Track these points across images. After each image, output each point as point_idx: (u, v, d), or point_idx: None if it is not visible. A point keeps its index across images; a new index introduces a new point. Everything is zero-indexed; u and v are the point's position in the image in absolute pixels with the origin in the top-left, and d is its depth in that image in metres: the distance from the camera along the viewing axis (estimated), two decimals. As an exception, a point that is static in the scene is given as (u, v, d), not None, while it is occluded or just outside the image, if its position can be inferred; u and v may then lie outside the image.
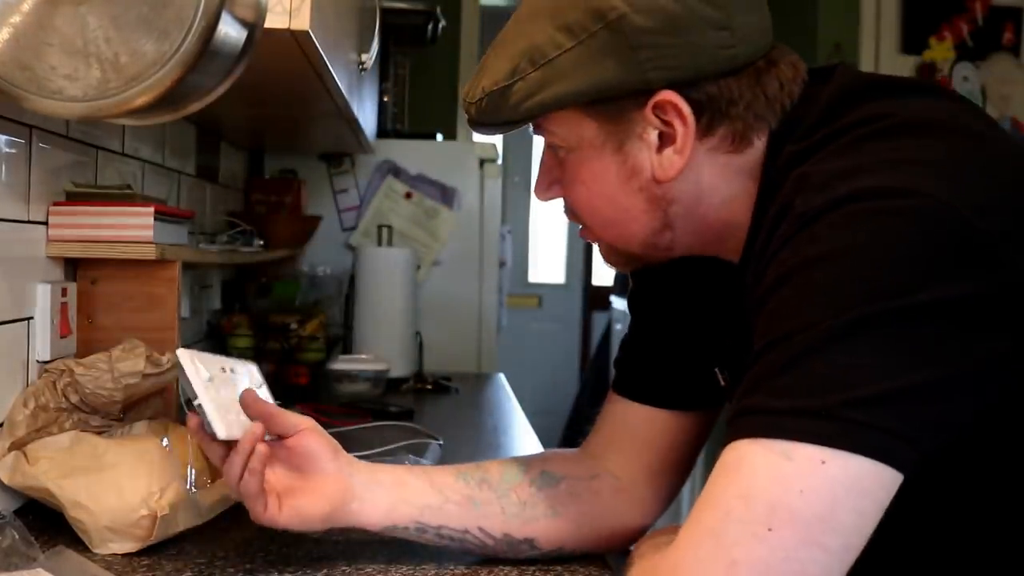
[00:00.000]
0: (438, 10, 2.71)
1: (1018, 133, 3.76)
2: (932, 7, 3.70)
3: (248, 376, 0.95)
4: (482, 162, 2.60)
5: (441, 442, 1.55)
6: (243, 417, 0.89)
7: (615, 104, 0.83)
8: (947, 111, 0.80)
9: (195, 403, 0.88)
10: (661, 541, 0.89)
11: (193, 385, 0.88)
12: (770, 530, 0.64)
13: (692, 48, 0.80)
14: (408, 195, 2.56)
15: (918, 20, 3.70)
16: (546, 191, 0.92)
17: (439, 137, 2.87)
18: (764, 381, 0.69)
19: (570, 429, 4.47)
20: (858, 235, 0.68)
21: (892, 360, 0.65)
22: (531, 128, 0.89)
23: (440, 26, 2.76)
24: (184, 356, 0.89)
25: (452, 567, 0.96)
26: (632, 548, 1.01)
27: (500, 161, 2.64)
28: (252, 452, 0.87)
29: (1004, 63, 3.73)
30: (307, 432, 0.93)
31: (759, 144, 0.84)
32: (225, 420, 0.88)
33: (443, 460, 1.37)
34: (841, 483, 0.64)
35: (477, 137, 3.68)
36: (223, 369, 0.92)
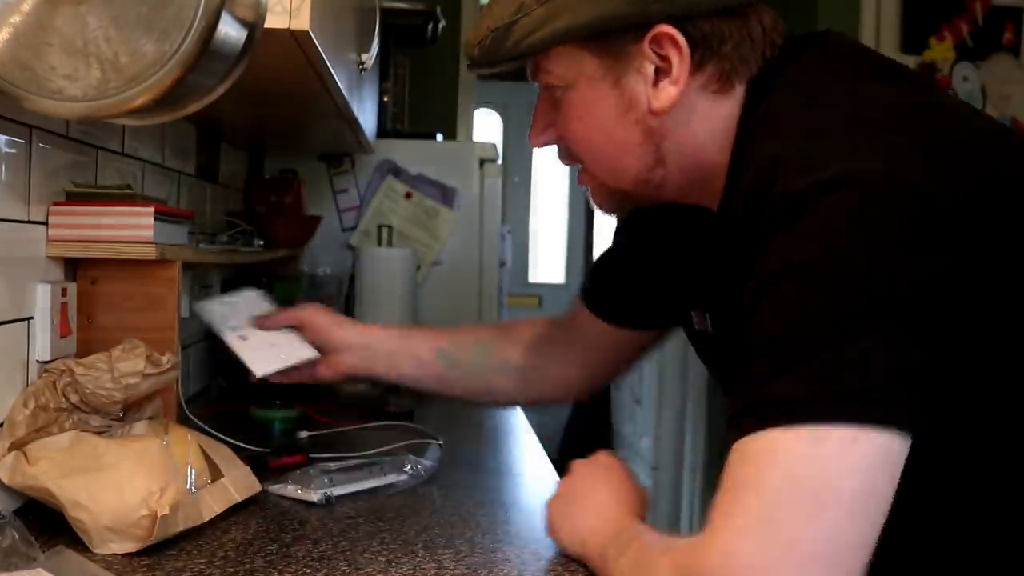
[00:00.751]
0: (438, 10, 2.71)
1: (1018, 133, 3.76)
2: (932, 7, 3.70)
3: (252, 303, 1.35)
4: (482, 162, 2.59)
5: (441, 442, 1.55)
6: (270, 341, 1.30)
7: (615, 38, 0.88)
8: (901, 93, 0.85)
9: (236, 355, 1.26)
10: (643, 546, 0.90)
11: (230, 345, 1.25)
12: (820, 510, 0.69)
13: None
14: (408, 195, 2.56)
15: (918, 20, 3.70)
16: (541, 134, 0.97)
17: (439, 137, 2.87)
18: (782, 370, 0.72)
19: (570, 429, 4.47)
20: (850, 225, 0.73)
21: (898, 339, 0.71)
22: (529, 73, 0.95)
23: (440, 26, 2.76)
24: (210, 313, 1.29)
25: (452, 567, 0.96)
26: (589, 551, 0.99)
27: (500, 161, 2.64)
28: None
29: (1004, 63, 3.73)
30: (308, 316, 1.38)
31: (740, 90, 0.90)
32: (257, 357, 1.25)
33: (443, 460, 1.37)
34: (873, 457, 0.70)
35: (477, 137, 3.68)
36: (236, 306, 1.27)
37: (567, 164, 1.00)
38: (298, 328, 1.38)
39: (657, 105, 0.89)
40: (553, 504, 1.03)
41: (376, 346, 1.35)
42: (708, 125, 0.90)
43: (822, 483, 0.69)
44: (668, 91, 0.88)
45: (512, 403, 1.42)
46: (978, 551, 0.86)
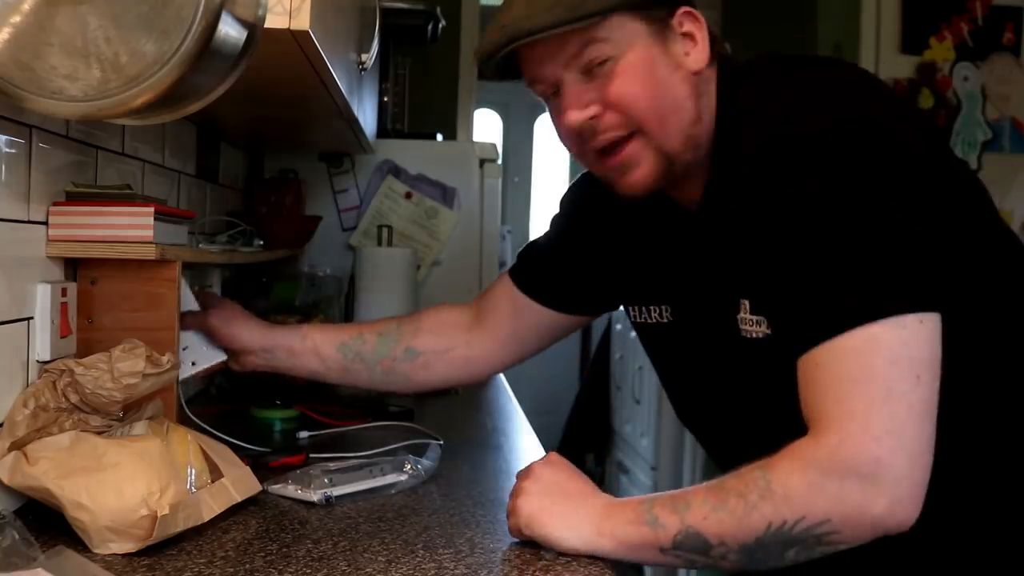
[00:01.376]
0: (438, 10, 2.71)
1: (1018, 133, 3.76)
2: (932, 7, 3.70)
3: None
4: (482, 162, 2.59)
5: (441, 442, 1.54)
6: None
7: (657, 10, 1.05)
8: (843, 67, 1.07)
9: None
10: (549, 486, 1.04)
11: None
12: (918, 378, 0.88)
13: None
14: (408, 195, 2.56)
15: (918, 20, 3.70)
16: (583, 108, 1.05)
17: (439, 137, 2.87)
18: (847, 281, 0.89)
19: (570, 429, 4.47)
20: (859, 159, 0.92)
21: (915, 238, 0.91)
22: (579, 47, 1.04)
23: (440, 26, 2.76)
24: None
25: (452, 567, 0.96)
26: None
27: (500, 161, 2.64)
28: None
29: (1004, 63, 3.73)
30: (212, 320, 1.43)
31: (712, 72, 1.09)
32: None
33: (443, 460, 1.37)
34: (932, 332, 0.90)
35: (477, 137, 3.68)
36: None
37: (605, 138, 1.06)
38: (206, 330, 1.44)
39: (696, 65, 1.07)
40: (526, 506, 1.01)
41: (277, 347, 1.42)
42: (711, 97, 1.08)
43: (914, 358, 0.88)
44: (699, 53, 1.07)
45: (419, 388, 1.47)
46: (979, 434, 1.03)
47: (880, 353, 0.87)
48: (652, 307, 1.20)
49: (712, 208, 1.08)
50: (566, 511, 1.00)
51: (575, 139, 1.09)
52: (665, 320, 1.19)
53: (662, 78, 1.05)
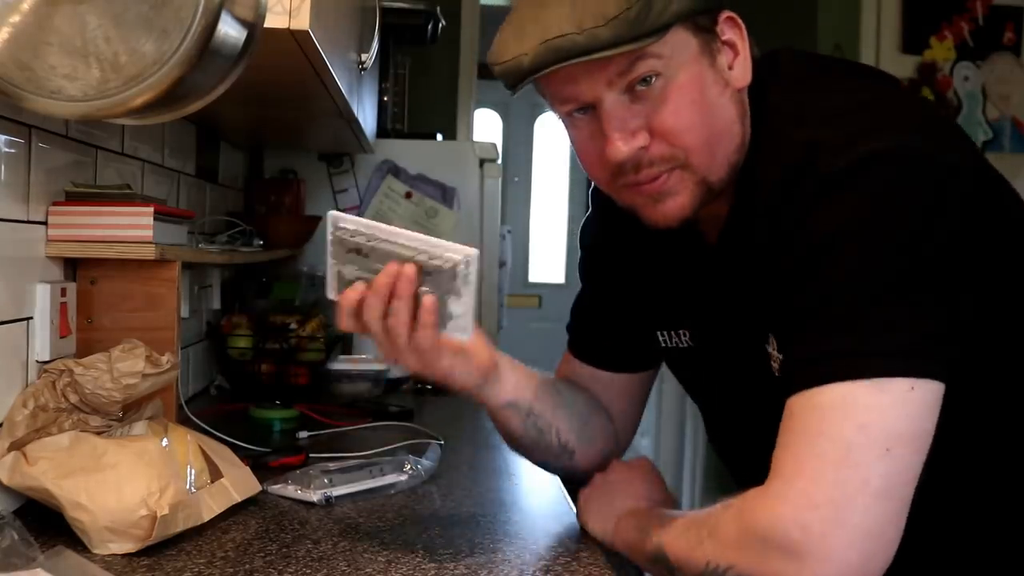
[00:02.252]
0: (438, 10, 2.71)
1: (1018, 133, 3.76)
2: (932, 7, 3.70)
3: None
4: (482, 162, 2.59)
5: (441, 442, 1.54)
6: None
7: (705, 19, 0.92)
8: (887, 81, 1.00)
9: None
10: (612, 486, 1.07)
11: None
12: (887, 451, 0.79)
13: None
14: (408, 195, 2.56)
15: (918, 20, 3.70)
16: (632, 138, 0.91)
17: (439, 137, 2.87)
18: (843, 329, 0.81)
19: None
20: (887, 193, 0.82)
21: (937, 297, 0.81)
22: (632, 62, 0.88)
23: (440, 26, 2.76)
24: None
25: (452, 567, 0.96)
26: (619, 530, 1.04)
27: (500, 161, 2.64)
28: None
29: (1004, 63, 3.73)
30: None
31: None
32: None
33: (443, 460, 1.37)
34: (924, 403, 0.80)
35: (477, 137, 3.68)
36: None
37: (651, 173, 0.93)
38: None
39: (741, 81, 0.95)
40: (587, 492, 1.11)
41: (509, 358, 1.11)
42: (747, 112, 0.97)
43: (888, 429, 0.79)
44: (743, 67, 0.95)
45: (586, 467, 1.16)
46: (990, 495, 0.95)
47: (851, 415, 0.79)
48: (673, 331, 1.11)
49: (734, 234, 0.97)
50: (603, 505, 1.07)
51: (614, 170, 0.93)
52: (686, 345, 1.09)
53: (712, 101, 0.92)
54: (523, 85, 0.92)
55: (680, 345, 1.10)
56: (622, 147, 0.90)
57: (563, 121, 0.97)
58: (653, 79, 0.89)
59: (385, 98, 2.62)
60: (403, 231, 0.90)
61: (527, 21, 0.89)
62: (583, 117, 0.93)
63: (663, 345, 1.12)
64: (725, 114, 0.94)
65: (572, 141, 0.98)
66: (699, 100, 0.91)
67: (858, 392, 0.79)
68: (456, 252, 0.90)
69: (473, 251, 0.90)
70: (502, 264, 2.71)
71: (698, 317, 1.06)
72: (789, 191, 0.87)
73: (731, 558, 0.84)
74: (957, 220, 0.83)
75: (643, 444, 3.97)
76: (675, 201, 0.94)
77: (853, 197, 0.83)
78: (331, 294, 0.94)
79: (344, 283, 0.93)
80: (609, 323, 1.18)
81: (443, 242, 0.90)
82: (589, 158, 0.96)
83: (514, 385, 1.07)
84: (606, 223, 1.14)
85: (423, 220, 2.56)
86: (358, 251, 0.91)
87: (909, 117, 0.89)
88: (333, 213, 0.91)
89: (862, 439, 0.79)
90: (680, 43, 0.90)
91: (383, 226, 0.90)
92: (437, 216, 2.56)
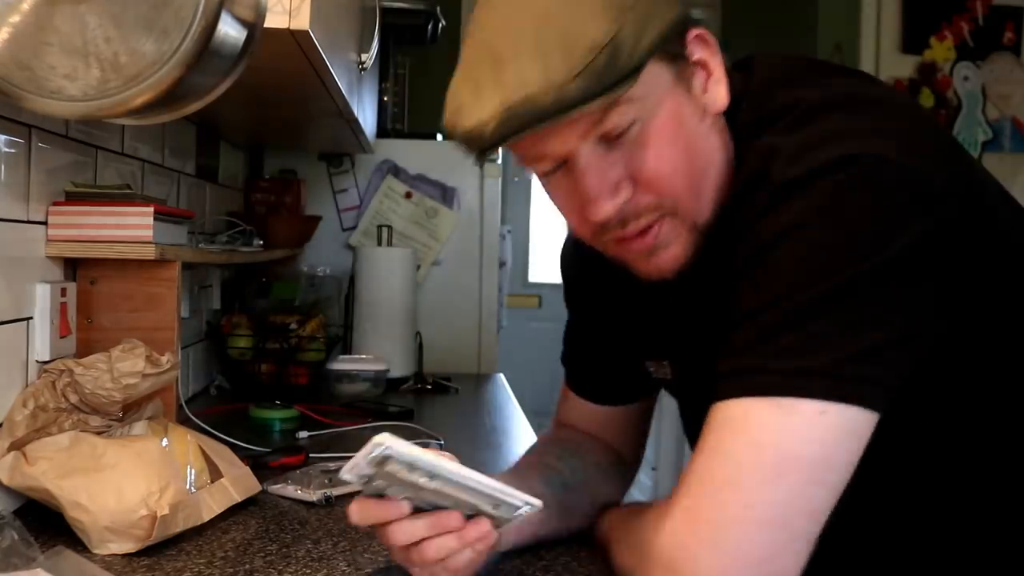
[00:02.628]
0: (438, 10, 2.71)
1: (1018, 133, 3.76)
2: (932, 7, 3.70)
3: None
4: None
5: (441, 442, 1.54)
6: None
7: (673, 45, 0.82)
8: (864, 85, 0.89)
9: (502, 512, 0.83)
10: (636, 509, 0.97)
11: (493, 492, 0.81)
12: (780, 476, 0.72)
13: None
14: (408, 195, 2.56)
15: (918, 20, 3.70)
16: (615, 193, 0.82)
17: (439, 137, 2.87)
18: (760, 343, 0.75)
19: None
20: (835, 203, 0.75)
21: (872, 316, 0.73)
22: (576, 135, 0.80)
23: (440, 26, 2.76)
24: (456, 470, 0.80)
25: (452, 567, 0.96)
26: (599, 524, 1.03)
27: (500, 161, 2.64)
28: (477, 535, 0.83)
29: (1004, 63, 3.73)
30: None
31: None
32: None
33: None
34: (837, 430, 0.73)
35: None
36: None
37: (636, 225, 0.84)
38: None
39: (717, 105, 0.86)
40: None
41: None
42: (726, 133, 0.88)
43: (785, 451, 0.72)
44: (718, 88, 0.86)
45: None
46: (947, 532, 0.88)
47: (746, 433, 0.74)
48: (657, 362, 1.05)
49: (705, 258, 0.88)
50: (616, 513, 1.03)
51: (597, 229, 0.86)
52: (669, 377, 1.04)
53: (693, 135, 0.84)
54: (488, 154, 0.82)
55: (665, 376, 1.04)
56: (605, 206, 0.82)
57: (540, 181, 0.88)
58: (633, 125, 0.81)
59: (385, 98, 2.63)
60: (467, 474, 0.79)
61: (484, 80, 0.78)
62: (558, 173, 0.84)
63: (653, 375, 1.07)
64: (707, 145, 0.85)
65: (551, 198, 0.89)
66: (680, 138, 0.82)
67: (759, 410, 0.73)
68: (517, 499, 0.82)
69: (538, 502, 0.83)
70: (502, 264, 2.71)
71: (677, 348, 0.99)
72: (744, 203, 0.80)
73: (632, 564, 0.83)
74: (920, 236, 0.74)
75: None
76: (669, 253, 0.86)
77: (798, 205, 0.75)
78: (349, 478, 0.78)
79: (372, 488, 0.80)
80: (599, 356, 1.13)
81: (507, 488, 0.82)
82: (571, 216, 0.88)
83: (516, 533, 0.96)
84: (582, 251, 1.02)
85: (423, 220, 2.56)
86: (411, 483, 0.79)
87: (883, 122, 0.80)
88: (386, 441, 0.75)
89: (753, 460, 0.73)
90: (654, 78, 0.80)
91: (447, 465, 0.78)
92: (437, 216, 2.56)
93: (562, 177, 0.84)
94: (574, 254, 1.12)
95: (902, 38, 3.71)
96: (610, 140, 0.81)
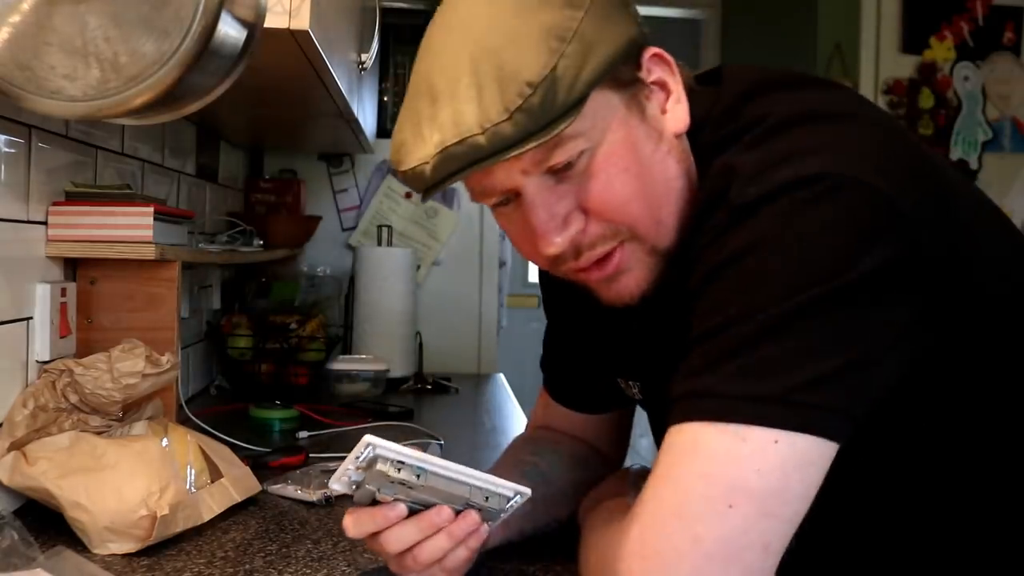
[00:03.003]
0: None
1: (1018, 133, 3.76)
2: (932, 7, 3.70)
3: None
4: (482, 162, 2.59)
5: (441, 442, 1.55)
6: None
7: (624, 69, 0.80)
8: (836, 100, 0.84)
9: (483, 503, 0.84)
10: (603, 495, 0.95)
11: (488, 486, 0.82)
12: (730, 507, 0.69)
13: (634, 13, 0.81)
14: (408, 195, 2.56)
15: (918, 20, 3.70)
16: (565, 226, 0.80)
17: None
18: (713, 365, 0.71)
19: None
20: (792, 223, 0.71)
21: (830, 341, 0.70)
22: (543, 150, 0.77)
23: (440, 26, 2.76)
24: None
25: (452, 567, 0.96)
26: (579, 514, 1.02)
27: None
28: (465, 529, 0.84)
29: (1004, 63, 3.73)
30: None
31: None
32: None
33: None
34: (791, 459, 0.69)
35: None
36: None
37: (590, 255, 0.82)
38: None
39: (677, 126, 0.83)
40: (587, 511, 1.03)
41: None
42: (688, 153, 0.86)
43: (735, 481, 0.69)
44: (678, 109, 0.83)
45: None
46: (909, 528, 0.86)
47: (696, 461, 0.70)
48: (628, 381, 1.02)
49: (666, 280, 0.85)
50: (594, 491, 1.02)
51: (552, 261, 0.84)
52: (639, 397, 1.02)
53: (647, 162, 0.80)
54: (431, 193, 0.80)
55: (636, 397, 1.02)
56: (555, 239, 0.79)
57: (490, 211, 0.86)
58: (580, 156, 0.78)
59: (385, 98, 2.63)
60: (456, 468, 0.81)
61: (423, 119, 0.77)
62: (508, 206, 0.82)
63: (624, 393, 1.04)
64: (664, 171, 0.82)
65: (503, 230, 0.87)
66: (632, 165, 0.79)
67: (709, 436, 0.70)
68: (508, 489, 0.83)
69: (527, 490, 0.84)
70: (502, 264, 2.71)
71: (643, 369, 0.97)
72: (703, 223, 0.77)
73: None
74: (881, 261, 0.70)
75: (643, 444, 3.96)
76: (630, 278, 0.84)
77: (753, 225, 0.72)
78: (338, 487, 0.81)
79: (363, 493, 0.81)
80: (574, 366, 1.11)
81: (496, 479, 0.82)
82: (524, 247, 0.85)
83: (504, 527, 0.96)
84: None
85: (423, 220, 2.56)
86: (400, 482, 0.80)
87: (850, 139, 0.76)
88: (373, 441, 0.77)
89: (702, 490, 0.69)
90: (601, 107, 0.78)
91: (434, 460, 0.80)
92: (437, 216, 2.57)
93: (513, 210, 0.82)
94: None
95: (902, 38, 3.71)
96: (558, 172, 0.79)
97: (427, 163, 0.76)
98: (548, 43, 0.74)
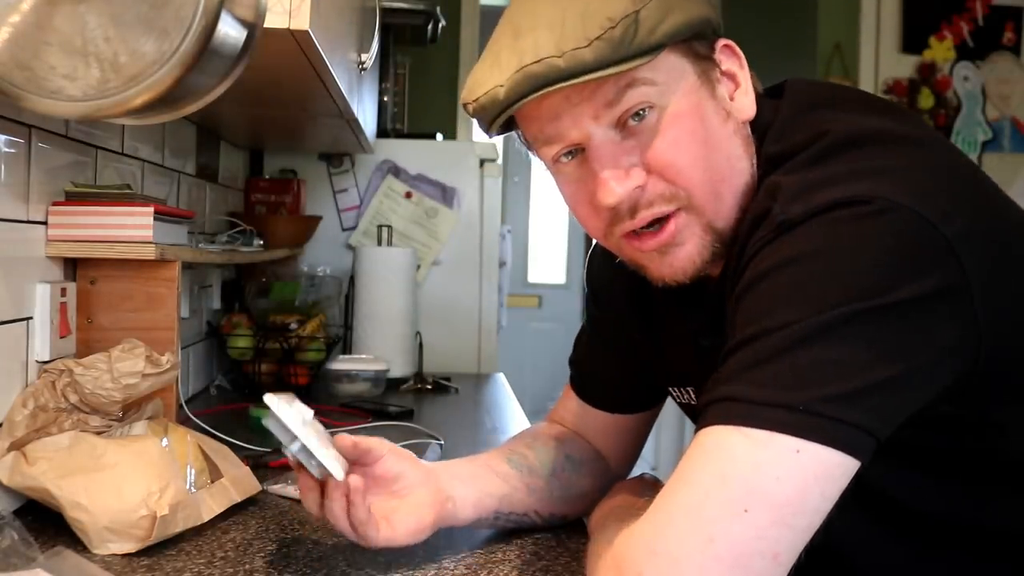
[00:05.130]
0: (438, 10, 2.71)
1: (1018, 133, 3.76)
2: (932, 7, 3.71)
3: (302, 412, 0.97)
4: (482, 162, 2.59)
5: (441, 442, 1.55)
6: (331, 453, 0.91)
7: (702, 45, 0.84)
8: (891, 123, 0.84)
9: (295, 449, 0.90)
10: (617, 504, 0.96)
11: (295, 431, 0.91)
12: (746, 511, 0.68)
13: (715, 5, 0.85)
14: (408, 195, 2.56)
15: (918, 20, 3.71)
16: (626, 176, 0.82)
17: (439, 137, 2.87)
18: (744, 372, 0.72)
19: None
20: (835, 239, 0.73)
21: (863, 357, 0.70)
22: (617, 92, 0.80)
23: (440, 26, 2.76)
24: (274, 401, 0.92)
25: (452, 567, 0.96)
26: (586, 519, 1.04)
27: (500, 161, 2.64)
28: (349, 485, 0.89)
29: (1004, 63, 3.73)
30: (388, 455, 0.95)
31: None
32: (330, 460, 0.90)
33: (443, 460, 1.37)
34: (812, 471, 0.69)
35: (476, 137, 3.70)
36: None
37: (650, 214, 0.84)
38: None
39: (744, 113, 0.86)
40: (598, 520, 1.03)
41: (456, 466, 1.05)
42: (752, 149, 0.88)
43: (753, 486, 0.68)
44: (745, 100, 0.87)
45: (586, 506, 1.10)
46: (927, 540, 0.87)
47: (717, 463, 0.70)
48: (681, 388, 1.04)
49: (721, 288, 0.87)
50: (607, 499, 1.04)
51: (609, 218, 0.85)
52: (693, 403, 1.02)
53: (714, 133, 0.83)
54: (500, 119, 0.83)
55: (691, 402, 1.03)
56: (616, 188, 0.82)
57: (551, 170, 0.89)
58: (646, 111, 0.81)
59: (385, 98, 2.63)
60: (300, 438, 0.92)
61: (503, 51, 0.81)
62: (570, 162, 0.85)
63: (676, 400, 1.06)
64: (729, 148, 0.85)
65: (561, 191, 0.89)
66: (699, 131, 0.82)
67: (731, 440, 0.70)
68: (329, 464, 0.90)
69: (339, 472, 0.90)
70: (502, 264, 2.71)
71: (700, 376, 0.93)
72: (749, 238, 0.80)
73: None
74: (923, 284, 0.71)
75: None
76: (683, 251, 0.85)
77: (796, 239, 0.74)
78: (341, 474, 0.91)
79: (296, 453, 0.92)
80: (613, 369, 1.13)
81: (325, 453, 0.91)
82: (581, 207, 0.87)
83: (474, 504, 1.00)
84: (611, 264, 1.02)
85: (423, 220, 2.56)
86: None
87: (901, 163, 0.77)
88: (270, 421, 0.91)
89: (719, 491, 0.69)
90: (674, 69, 0.82)
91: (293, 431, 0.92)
92: (437, 216, 2.57)
93: (576, 166, 0.85)
94: (602, 265, 1.11)
95: (902, 38, 3.71)
96: (626, 127, 0.82)
97: (502, 85, 0.80)
98: None
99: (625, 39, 0.78)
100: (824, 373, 0.69)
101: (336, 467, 0.89)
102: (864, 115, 0.85)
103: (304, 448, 0.89)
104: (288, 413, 0.90)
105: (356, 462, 0.93)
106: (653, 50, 0.79)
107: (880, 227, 0.72)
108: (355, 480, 0.89)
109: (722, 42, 0.87)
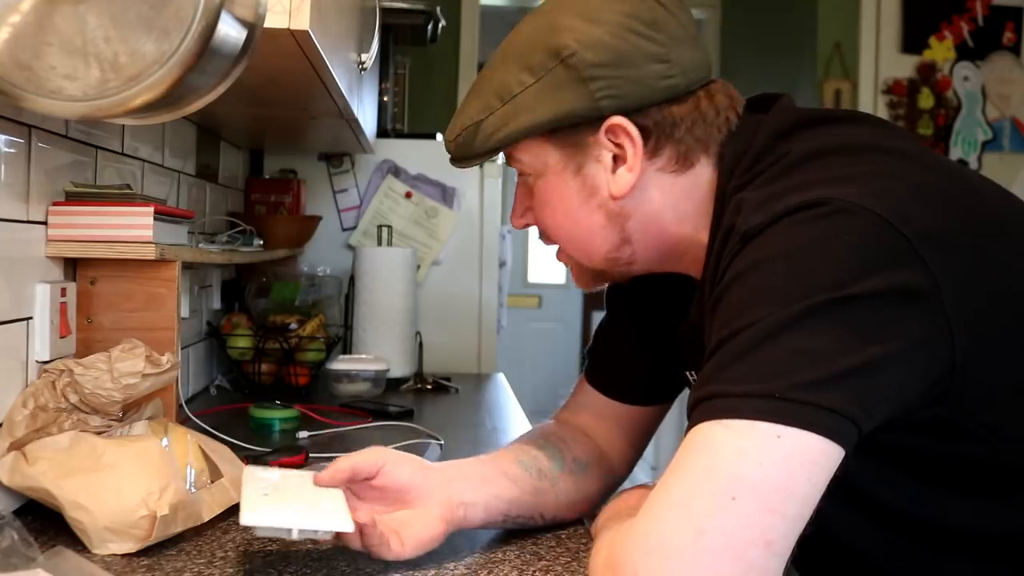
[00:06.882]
0: (438, 10, 2.71)
1: (1018, 133, 3.76)
2: (932, 7, 3.71)
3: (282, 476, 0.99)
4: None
5: (441, 442, 1.55)
6: (328, 508, 0.92)
7: (573, 131, 0.94)
8: (866, 134, 0.90)
9: (297, 536, 0.89)
10: (622, 509, 0.97)
11: (285, 524, 0.88)
12: (733, 499, 0.70)
13: (637, 79, 0.91)
14: (408, 195, 2.56)
15: (918, 20, 3.71)
16: (520, 217, 1.04)
17: (439, 137, 2.87)
18: (721, 372, 0.75)
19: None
20: (795, 239, 0.77)
21: (833, 345, 0.73)
22: (504, 160, 1.01)
23: (440, 26, 2.76)
24: (249, 502, 0.90)
25: (451, 567, 0.96)
26: (588, 521, 1.07)
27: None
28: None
29: (1004, 63, 3.73)
30: (390, 465, 0.98)
31: (706, 166, 0.95)
32: (328, 516, 0.90)
33: (443, 460, 1.37)
34: (795, 456, 0.71)
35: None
36: (267, 480, 0.96)
37: (546, 244, 1.06)
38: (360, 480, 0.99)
39: (616, 190, 0.95)
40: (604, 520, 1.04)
41: (467, 468, 1.05)
42: (671, 201, 0.96)
43: (738, 474, 0.70)
44: (625, 177, 0.95)
45: (591, 507, 1.14)
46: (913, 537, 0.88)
47: (703, 458, 0.72)
48: (690, 375, 1.09)
49: (708, 281, 0.92)
50: (612, 503, 1.05)
51: None
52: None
53: (571, 208, 0.97)
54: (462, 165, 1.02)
55: None
56: (514, 223, 1.06)
57: None
58: (529, 175, 1.00)
59: (385, 98, 2.63)
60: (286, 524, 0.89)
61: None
62: None
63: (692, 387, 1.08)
64: (588, 220, 0.97)
65: None
66: (559, 206, 0.98)
67: (715, 433, 0.73)
68: (327, 528, 0.90)
69: (350, 527, 0.90)
70: (502, 264, 2.71)
71: (699, 362, 0.99)
72: (722, 253, 0.85)
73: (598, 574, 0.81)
74: (882, 278, 0.74)
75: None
76: (574, 275, 1.07)
77: (757, 245, 0.79)
78: (350, 527, 0.91)
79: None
80: (632, 358, 1.17)
81: (316, 523, 0.90)
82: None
83: (484, 508, 1.01)
84: None
85: (423, 220, 2.56)
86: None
87: (864, 169, 0.82)
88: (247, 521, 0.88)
89: (707, 484, 0.71)
90: (538, 152, 0.97)
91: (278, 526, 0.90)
92: (437, 216, 2.57)
93: None
94: None
95: (902, 38, 3.71)
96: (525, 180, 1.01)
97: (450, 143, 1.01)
98: (489, 99, 0.95)
99: (466, 144, 0.98)
100: (796, 362, 0.72)
101: (341, 522, 0.89)
102: (831, 128, 0.90)
103: (304, 530, 0.89)
104: (269, 515, 0.89)
105: (357, 480, 0.97)
106: (491, 152, 0.97)
107: (839, 226, 0.76)
108: (363, 518, 0.91)
109: (607, 124, 0.93)
